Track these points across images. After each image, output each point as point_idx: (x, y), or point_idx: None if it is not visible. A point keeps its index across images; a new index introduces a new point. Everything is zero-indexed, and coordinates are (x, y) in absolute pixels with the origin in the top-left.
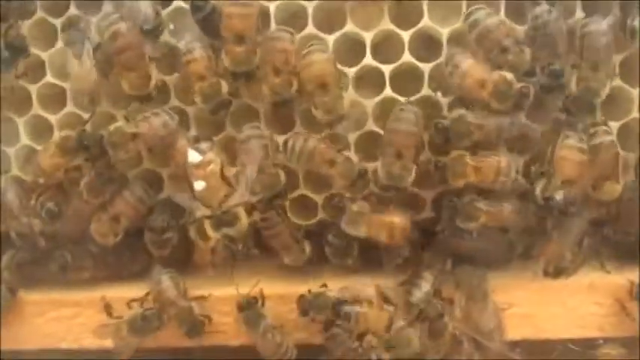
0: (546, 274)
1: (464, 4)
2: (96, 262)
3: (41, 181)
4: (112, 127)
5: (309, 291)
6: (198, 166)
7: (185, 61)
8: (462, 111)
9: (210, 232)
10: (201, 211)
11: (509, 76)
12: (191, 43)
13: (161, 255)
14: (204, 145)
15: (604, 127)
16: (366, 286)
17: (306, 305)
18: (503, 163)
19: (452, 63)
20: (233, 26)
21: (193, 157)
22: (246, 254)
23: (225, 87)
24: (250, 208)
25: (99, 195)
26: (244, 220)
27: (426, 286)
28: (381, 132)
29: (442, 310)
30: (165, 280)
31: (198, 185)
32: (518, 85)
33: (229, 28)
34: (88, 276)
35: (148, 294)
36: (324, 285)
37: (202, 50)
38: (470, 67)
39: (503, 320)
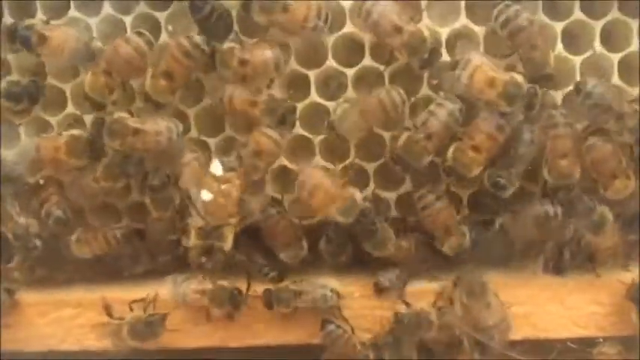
0: (546, 271)
1: (462, 3)
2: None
3: (41, 181)
4: (115, 115)
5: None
6: (216, 178)
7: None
8: None
9: (193, 238)
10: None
11: (520, 77)
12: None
13: (162, 217)
14: (231, 163)
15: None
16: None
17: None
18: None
19: (461, 62)
20: None
21: (216, 168)
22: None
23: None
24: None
25: (116, 180)
26: (228, 244)
27: None
28: None
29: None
30: None
31: (206, 196)
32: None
33: None
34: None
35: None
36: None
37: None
38: (479, 66)
39: (510, 319)
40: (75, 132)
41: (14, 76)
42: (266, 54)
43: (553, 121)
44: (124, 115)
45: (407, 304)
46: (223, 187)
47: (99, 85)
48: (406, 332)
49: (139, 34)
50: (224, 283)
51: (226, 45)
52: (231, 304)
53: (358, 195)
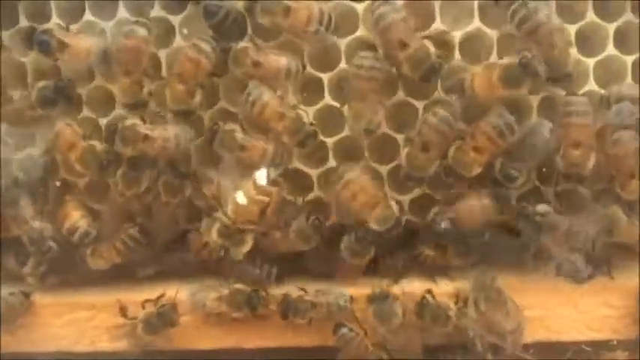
0: (558, 274)
1: (475, 4)
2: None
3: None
4: (128, 122)
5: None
6: (256, 186)
7: (256, 112)
8: None
9: (213, 234)
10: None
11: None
12: (257, 89)
13: (169, 203)
14: (275, 176)
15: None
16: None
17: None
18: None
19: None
20: None
21: (261, 177)
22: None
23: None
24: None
25: (134, 185)
26: (246, 247)
27: None
28: None
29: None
30: None
31: (241, 198)
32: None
33: None
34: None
35: (161, 295)
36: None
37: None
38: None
39: (524, 321)
40: (95, 144)
41: (42, 82)
42: (281, 61)
43: (568, 109)
44: (137, 121)
45: (432, 295)
46: (259, 197)
47: (126, 88)
48: (425, 317)
49: (141, 23)
50: (239, 286)
51: (242, 44)
52: (249, 307)
53: (395, 205)
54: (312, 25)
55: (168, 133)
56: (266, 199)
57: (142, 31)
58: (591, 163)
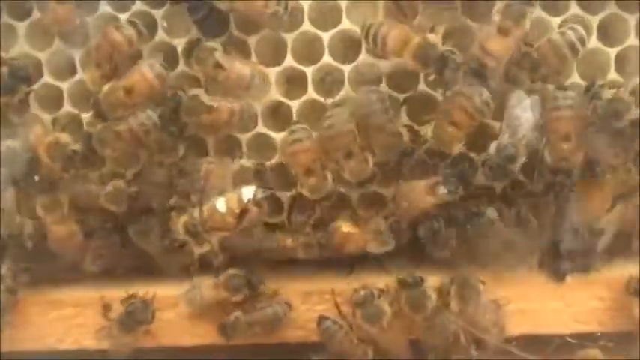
0: (541, 266)
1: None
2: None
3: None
4: (99, 127)
5: None
6: (240, 200)
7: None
8: None
9: (179, 225)
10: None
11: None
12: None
13: (162, 163)
14: (262, 198)
15: None
16: None
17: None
18: None
19: None
20: None
21: (247, 194)
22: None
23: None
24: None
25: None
26: (205, 249)
27: None
28: None
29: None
30: None
31: (221, 206)
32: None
33: None
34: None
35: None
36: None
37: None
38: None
39: (503, 317)
40: (63, 137)
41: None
42: (244, 70)
43: (557, 102)
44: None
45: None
46: (239, 210)
47: (95, 79)
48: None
49: (131, 23)
50: (233, 271)
51: (211, 43)
52: (249, 287)
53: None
54: (270, 7)
55: (132, 121)
56: (243, 216)
57: (129, 30)
58: (580, 157)
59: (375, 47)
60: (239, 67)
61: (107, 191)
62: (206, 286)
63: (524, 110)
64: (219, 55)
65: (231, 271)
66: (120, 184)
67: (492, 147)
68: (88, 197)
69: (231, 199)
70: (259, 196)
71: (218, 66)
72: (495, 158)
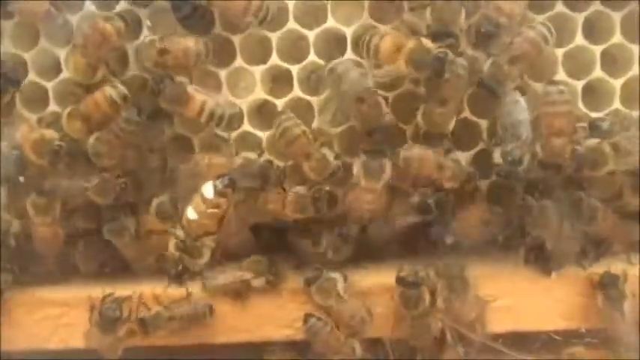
0: (527, 261)
1: None
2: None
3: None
4: (92, 139)
5: None
6: (205, 200)
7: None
8: None
9: (170, 247)
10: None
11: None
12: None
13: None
14: (224, 189)
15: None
16: None
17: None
18: None
19: None
20: None
21: (208, 191)
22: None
23: None
24: None
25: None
26: (204, 260)
27: None
28: None
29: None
30: None
31: (192, 214)
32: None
33: None
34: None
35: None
36: None
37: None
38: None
39: (486, 313)
40: (48, 133)
41: None
42: (187, 42)
43: (549, 98)
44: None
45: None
46: (210, 210)
47: (81, 65)
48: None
49: (120, 16)
50: (256, 257)
51: (147, 38)
52: (271, 273)
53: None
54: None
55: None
56: (217, 211)
57: (118, 22)
58: (570, 152)
59: (369, 57)
60: (179, 41)
61: (94, 183)
62: (229, 274)
63: (521, 111)
64: (157, 42)
65: (254, 257)
66: (107, 176)
67: (497, 154)
68: (75, 191)
69: (197, 203)
70: (220, 187)
71: (162, 51)
72: (504, 166)
